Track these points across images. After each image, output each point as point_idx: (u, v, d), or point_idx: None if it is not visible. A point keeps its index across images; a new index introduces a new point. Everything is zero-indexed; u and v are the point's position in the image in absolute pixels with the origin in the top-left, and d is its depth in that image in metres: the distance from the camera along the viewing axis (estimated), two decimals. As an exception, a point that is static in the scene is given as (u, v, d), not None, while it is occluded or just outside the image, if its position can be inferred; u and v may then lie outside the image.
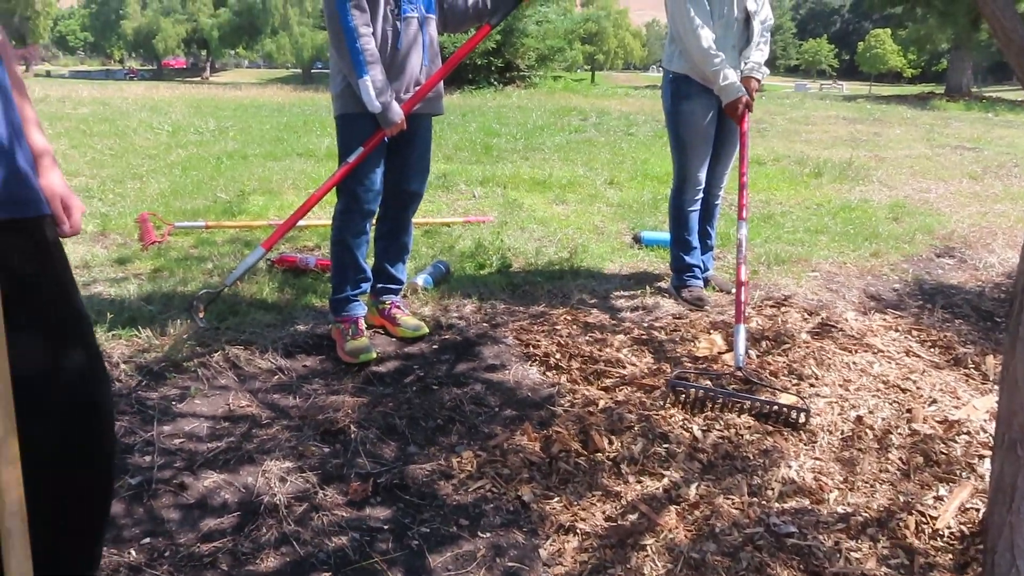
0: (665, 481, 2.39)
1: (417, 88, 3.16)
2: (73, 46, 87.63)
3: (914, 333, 3.72)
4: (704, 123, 3.81)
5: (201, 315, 3.26)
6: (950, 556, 2.14)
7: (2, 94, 1.46)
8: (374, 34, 2.98)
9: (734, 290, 4.09)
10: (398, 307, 3.54)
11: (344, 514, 2.30)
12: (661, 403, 2.84)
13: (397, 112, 3.04)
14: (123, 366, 3.12)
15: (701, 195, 4.00)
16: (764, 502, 2.34)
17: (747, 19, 3.77)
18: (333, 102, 3.21)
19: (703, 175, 3.95)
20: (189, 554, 2.09)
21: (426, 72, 3.19)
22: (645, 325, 3.59)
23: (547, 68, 16.30)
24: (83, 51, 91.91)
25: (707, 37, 3.61)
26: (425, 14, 3.15)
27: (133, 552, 2.09)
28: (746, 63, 3.79)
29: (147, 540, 2.15)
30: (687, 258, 3.99)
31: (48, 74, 55.40)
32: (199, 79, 59.40)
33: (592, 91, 16.09)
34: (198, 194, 6.24)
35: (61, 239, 1.64)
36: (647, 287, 4.13)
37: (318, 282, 4.12)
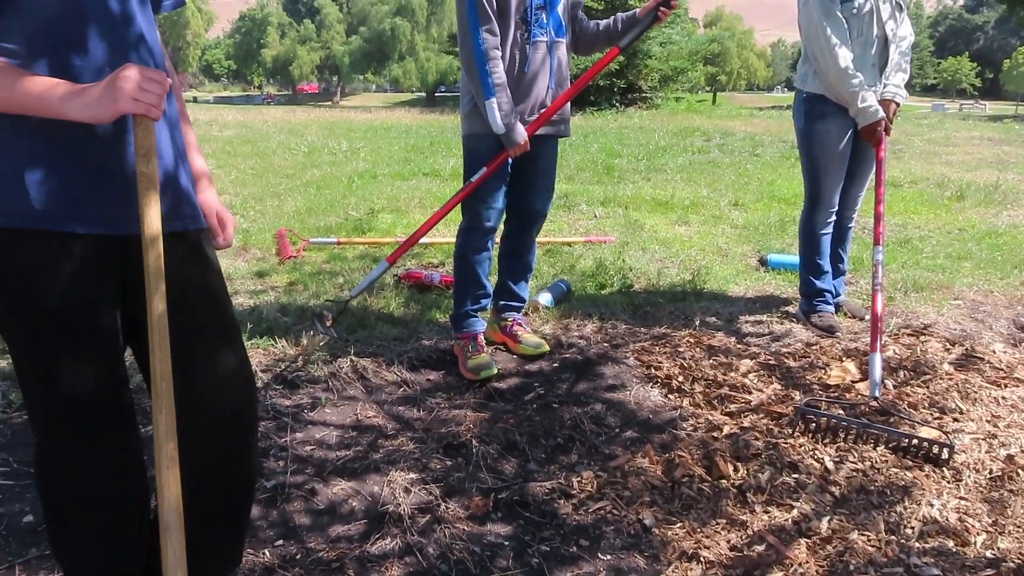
0: (794, 513, 2.29)
1: (542, 110, 3.20)
2: (218, 73, 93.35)
3: (1072, 367, 3.45)
4: (839, 144, 3.67)
5: (329, 324, 3.38)
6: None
7: (170, 123, 1.60)
8: (503, 57, 3.04)
9: (867, 316, 3.94)
10: (520, 324, 3.56)
11: (465, 528, 2.31)
12: (789, 431, 2.73)
13: (521, 133, 3.09)
14: (260, 374, 3.27)
15: (834, 218, 3.85)
16: (903, 540, 2.21)
17: (887, 38, 3.62)
18: (461, 122, 3.29)
19: (836, 198, 3.80)
20: (318, 559, 2.15)
21: (552, 95, 3.23)
22: (772, 350, 3.48)
23: (669, 89, 16.16)
24: (226, 78, 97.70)
25: (845, 57, 3.48)
26: (555, 38, 3.19)
27: (267, 553, 2.17)
28: (886, 85, 3.64)
29: (280, 542, 2.22)
30: (818, 283, 3.85)
31: (195, 100, 59.28)
32: (330, 103, 62.07)
33: (715, 112, 15.80)
34: (331, 211, 6.50)
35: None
36: (774, 311, 4.01)
37: (442, 298, 4.20)
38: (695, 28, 53.38)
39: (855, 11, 3.52)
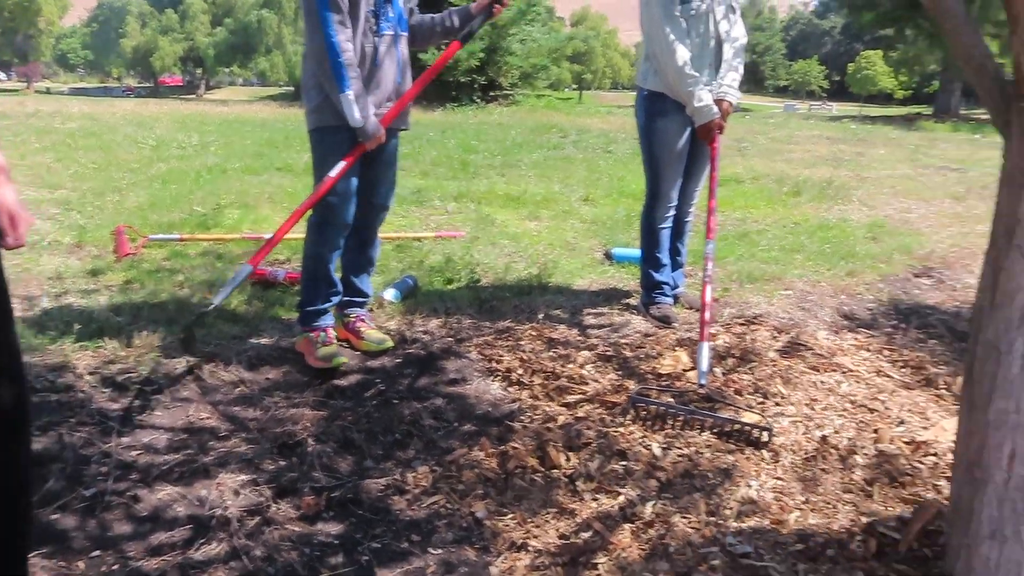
0: (621, 499, 2.36)
1: (390, 103, 3.18)
2: (73, 63, 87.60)
3: (885, 353, 3.70)
4: (678, 141, 3.80)
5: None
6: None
7: None
8: (353, 50, 3.00)
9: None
10: (363, 320, 3.51)
11: (296, 528, 2.26)
12: (621, 420, 2.81)
13: (377, 126, 3.08)
14: (87, 377, 3.08)
15: (673, 212, 3.99)
16: (721, 521, 2.31)
17: (721, 38, 3.78)
18: (307, 116, 3.21)
19: (675, 193, 3.94)
20: (137, 569, 2.04)
21: (398, 88, 3.22)
22: (611, 342, 3.57)
23: (531, 86, 16.40)
24: (83, 69, 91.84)
25: (683, 56, 3.61)
26: (399, 31, 3.18)
27: (81, 565, 2.04)
28: (720, 84, 3.80)
29: (96, 553, 2.10)
30: (656, 275, 3.98)
31: (48, 91, 55.34)
32: (194, 96, 59.41)
33: (574, 109, 16.12)
34: (175, 207, 6.21)
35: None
36: (616, 304, 4.12)
37: (286, 295, 4.08)
38: (562, 26, 54.34)
39: (692, 12, 3.66)
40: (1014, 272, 1.59)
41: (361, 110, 3.00)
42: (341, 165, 3.09)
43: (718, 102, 3.73)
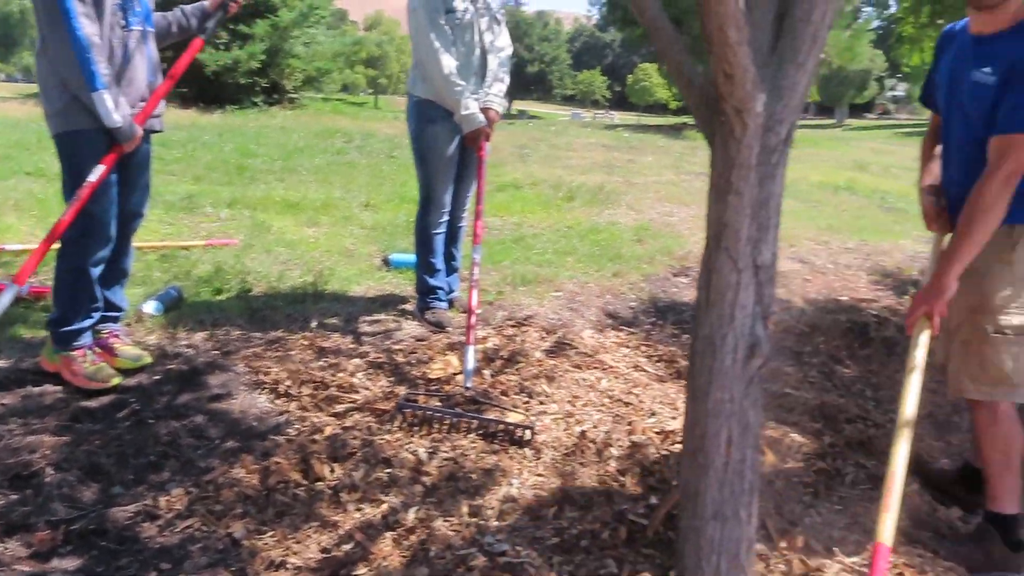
0: (384, 507, 2.36)
1: (143, 103, 3.00)
2: None
3: (643, 348, 3.96)
4: (448, 147, 3.86)
5: None
6: (656, 563, 2.26)
7: None
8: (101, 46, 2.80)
9: (478, 311, 4.19)
10: (117, 336, 3.27)
11: (26, 568, 2.07)
12: (389, 427, 2.81)
13: (135, 126, 2.89)
14: None
15: (446, 218, 4.04)
16: (483, 522, 2.37)
17: (485, 49, 3.88)
18: (50, 119, 2.93)
19: (448, 198, 4.00)
20: None
21: (151, 86, 3.05)
22: (384, 348, 3.57)
23: (318, 89, 16.06)
24: None
25: (449, 64, 3.67)
26: (147, 28, 3.01)
27: None
28: (486, 93, 3.90)
29: None
30: (431, 280, 4.02)
31: None
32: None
33: (361, 114, 15.95)
34: None
35: None
36: (392, 310, 4.12)
37: (30, 311, 3.73)
38: (355, 30, 53.58)
39: (458, 21, 3.73)
40: (723, 272, 1.75)
41: (118, 109, 2.81)
42: (100, 170, 2.85)
43: (484, 111, 3.83)
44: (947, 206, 2.61)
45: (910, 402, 2.17)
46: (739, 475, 1.91)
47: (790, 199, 9.45)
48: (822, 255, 6.69)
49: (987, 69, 2.30)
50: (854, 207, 9.42)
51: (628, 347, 3.95)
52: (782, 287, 5.51)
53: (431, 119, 3.83)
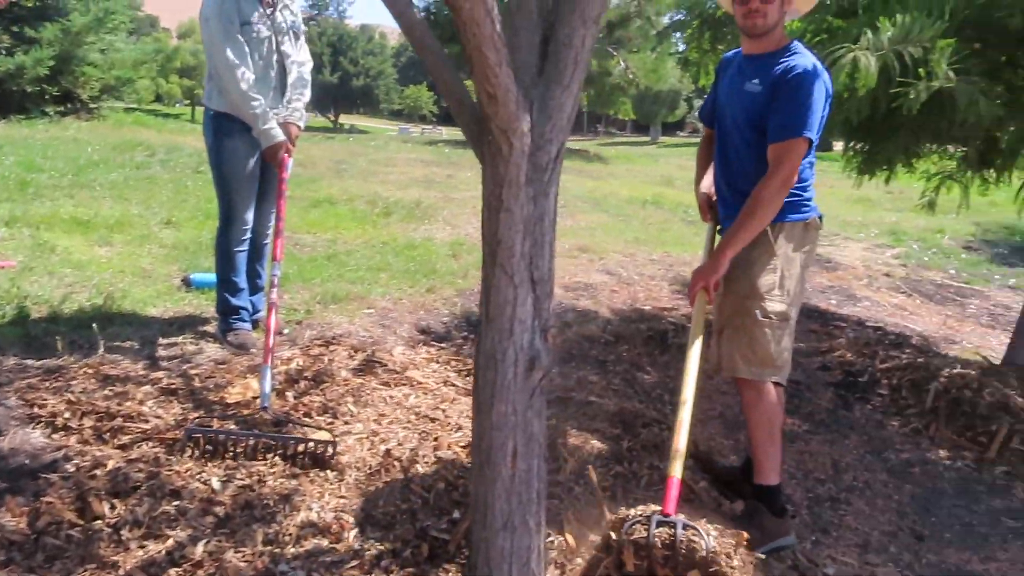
0: (170, 542, 2.23)
1: None
2: None
3: (453, 363, 3.99)
4: (248, 162, 3.74)
5: None
6: (457, 576, 2.27)
7: None
8: None
9: (285, 331, 4.08)
10: None
11: None
12: (178, 457, 2.66)
13: None
14: None
15: (249, 235, 3.90)
16: (278, 549, 2.29)
17: (285, 63, 3.79)
18: None
19: (250, 215, 3.87)
20: None
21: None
22: (179, 373, 3.38)
23: (119, 99, 15.07)
24: None
25: (246, 79, 3.56)
26: None
27: None
28: (287, 108, 3.81)
29: None
30: (233, 300, 3.87)
31: None
32: None
33: (168, 126, 15.14)
34: None
35: None
36: (191, 332, 3.92)
37: None
38: (168, 38, 50.77)
39: (254, 34, 3.62)
40: (501, 288, 1.79)
41: None
42: None
43: (285, 126, 3.74)
44: (718, 202, 2.98)
45: (693, 357, 2.51)
46: (526, 485, 1.96)
47: (600, 213, 9.89)
48: (629, 267, 7.02)
49: (756, 81, 2.67)
50: (660, 220, 9.96)
51: (438, 362, 3.97)
52: (590, 299, 5.74)
53: (228, 133, 3.70)
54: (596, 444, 3.27)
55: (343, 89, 31.76)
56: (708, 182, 3.08)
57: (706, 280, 2.66)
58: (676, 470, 2.31)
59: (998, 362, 4.63)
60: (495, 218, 1.73)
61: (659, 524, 2.10)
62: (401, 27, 1.58)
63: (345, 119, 36.47)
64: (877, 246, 9.82)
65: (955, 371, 4.25)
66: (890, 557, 2.96)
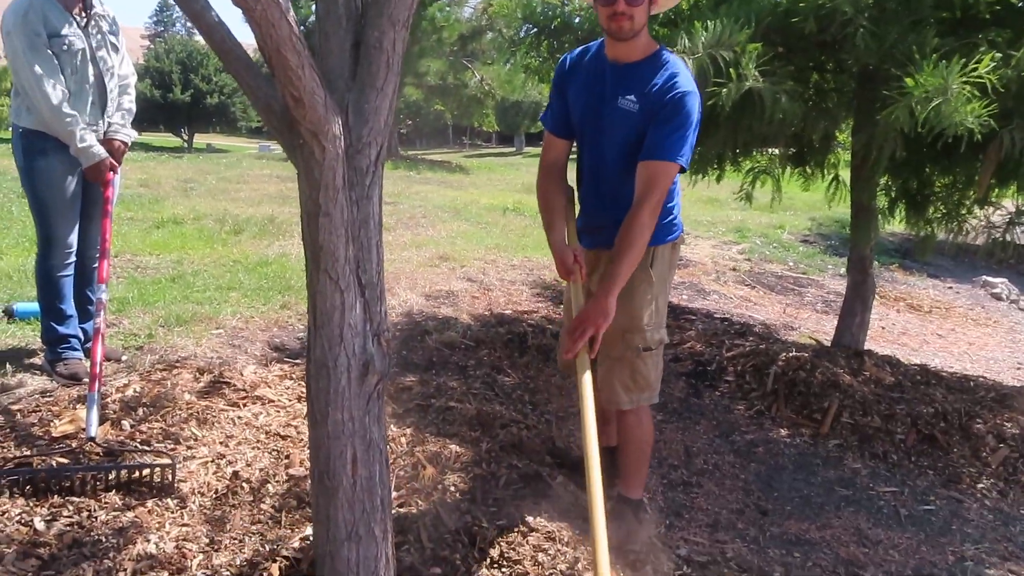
0: (-17, 592, 2.06)
1: None
2: None
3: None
4: (65, 181, 3.51)
5: None
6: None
7: None
8: None
9: (124, 357, 3.86)
10: None
11: None
12: (-5, 500, 2.46)
13: None
14: None
15: (74, 259, 3.66)
16: (112, 586, 2.15)
17: (103, 77, 3.59)
18: None
19: (73, 238, 3.63)
20: None
21: None
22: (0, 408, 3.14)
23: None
24: None
25: (57, 95, 3.34)
26: None
27: None
28: (110, 124, 3.62)
29: None
30: (61, 328, 3.62)
31: None
32: None
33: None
34: None
35: None
36: (16, 365, 3.64)
37: None
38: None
39: (66, 47, 3.40)
40: (327, 294, 1.75)
41: None
42: None
43: (108, 142, 3.55)
44: (585, 216, 2.81)
45: (592, 449, 2.13)
46: (368, 493, 1.92)
47: (461, 222, 9.91)
48: (490, 273, 7.06)
49: (631, 97, 2.52)
50: (520, 227, 10.08)
51: (292, 379, 3.85)
52: (451, 306, 5.73)
53: (42, 151, 3.45)
54: (455, 448, 3.25)
55: (196, 108, 30.47)
56: (563, 236, 2.75)
57: (597, 327, 2.43)
58: None
59: (829, 344, 4.94)
60: (314, 223, 1.68)
61: None
62: (200, 30, 1.51)
63: (201, 138, 35.04)
64: (724, 243, 10.31)
65: (791, 354, 4.50)
66: (738, 533, 3.09)
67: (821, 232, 11.76)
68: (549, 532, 2.60)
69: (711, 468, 3.61)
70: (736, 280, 8.08)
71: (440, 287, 6.29)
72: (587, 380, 2.29)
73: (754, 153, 5.06)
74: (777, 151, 5.06)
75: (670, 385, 4.51)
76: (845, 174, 4.92)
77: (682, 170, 2.51)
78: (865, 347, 4.93)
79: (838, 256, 9.82)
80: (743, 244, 10.26)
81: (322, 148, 1.59)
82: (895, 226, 5.49)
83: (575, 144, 2.84)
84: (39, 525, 2.35)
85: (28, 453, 2.76)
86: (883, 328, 6.89)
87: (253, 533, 2.54)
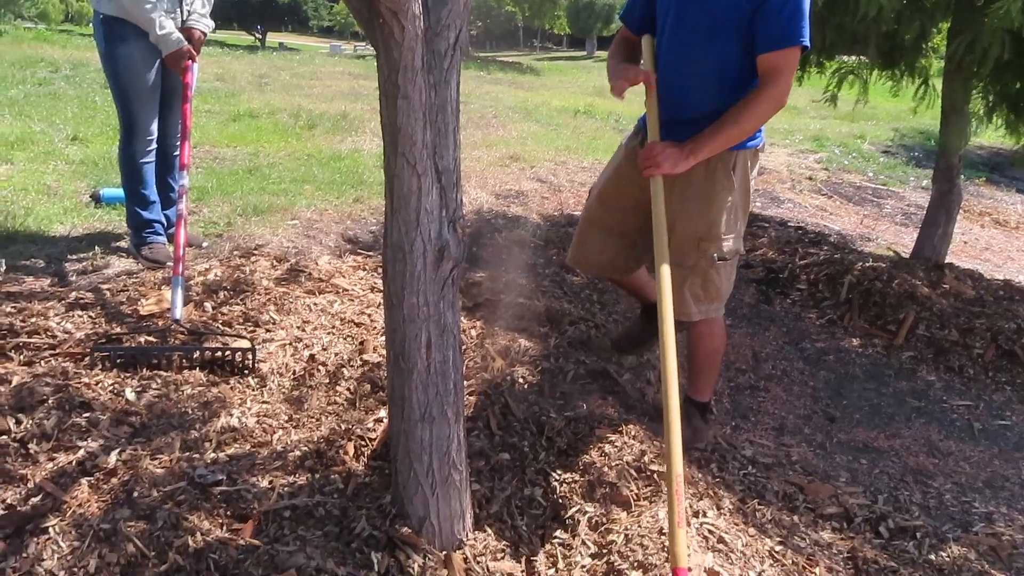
0: (81, 453, 2.19)
1: None
2: None
3: (380, 271, 3.92)
4: (147, 70, 3.54)
5: None
6: (384, 473, 2.28)
7: None
8: None
9: (204, 244, 3.97)
10: None
11: None
12: (89, 371, 2.59)
13: None
14: None
15: (155, 145, 3.73)
16: (197, 455, 2.26)
17: None
18: None
19: (154, 126, 3.68)
20: None
21: None
22: (89, 288, 3.27)
23: (17, 15, 14.19)
24: None
25: None
26: None
27: None
28: (188, 13, 3.61)
29: None
30: (145, 214, 3.72)
31: None
32: None
33: (71, 41, 14.31)
34: None
35: None
36: (103, 248, 3.77)
37: None
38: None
39: None
40: (404, 178, 1.75)
41: None
42: None
43: (187, 31, 3.55)
44: (667, 117, 2.53)
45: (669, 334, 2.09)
46: (442, 376, 1.95)
47: (532, 123, 9.78)
48: (560, 174, 6.99)
49: None
50: (591, 129, 9.90)
51: (365, 270, 3.92)
52: (521, 206, 5.71)
53: (122, 38, 3.47)
54: (524, 343, 3.29)
55: (269, 6, 30.31)
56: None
57: (673, 168, 2.34)
58: (680, 558, 1.82)
59: (908, 256, 4.79)
60: (392, 106, 1.66)
61: None
62: None
63: (273, 37, 34.98)
64: (801, 151, 9.97)
65: (868, 264, 4.38)
66: (804, 438, 3.09)
67: (904, 143, 11.26)
68: (616, 426, 2.63)
69: (779, 374, 3.58)
70: (812, 189, 7.84)
71: (510, 187, 6.27)
72: (666, 273, 2.21)
73: (836, 59, 4.81)
74: (861, 58, 4.79)
75: (740, 291, 4.46)
76: (936, 82, 4.66)
77: (804, 49, 2.31)
78: (946, 260, 4.77)
79: (921, 168, 9.42)
80: (821, 153, 9.90)
81: (401, 27, 1.56)
82: (984, 138, 5.21)
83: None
84: (130, 396, 2.48)
85: (119, 330, 2.88)
86: (965, 243, 6.64)
87: (329, 413, 2.63)
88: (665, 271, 2.21)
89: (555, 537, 2.19)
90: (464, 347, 3.17)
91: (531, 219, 5.36)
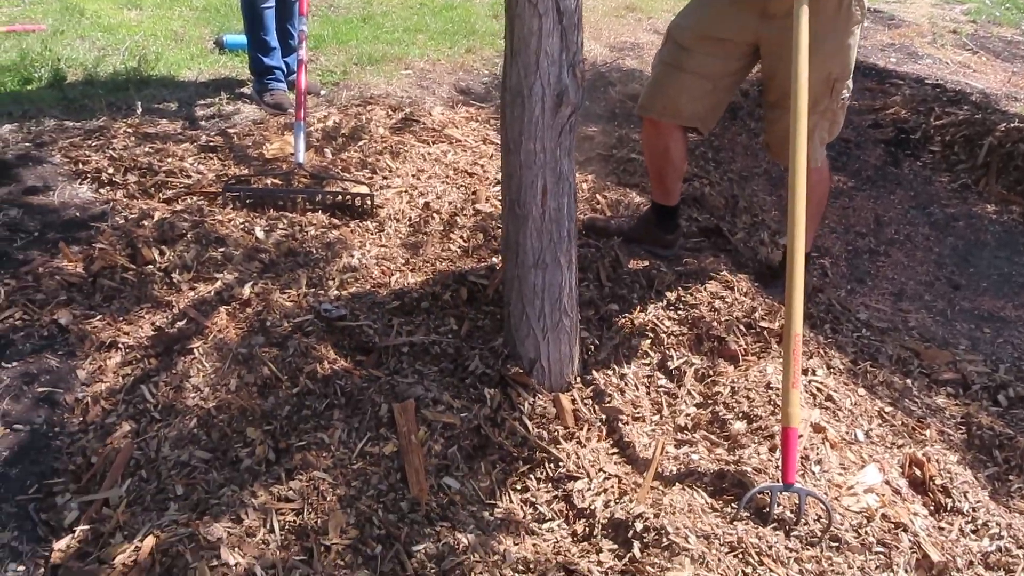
0: (219, 284, 2.34)
1: None
2: None
3: (492, 122, 3.92)
4: None
5: None
6: (496, 317, 2.36)
7: None
8: None
9: (322, 92, 4.03)
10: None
11: None
12: (222, 208, 2.74)
13: None
14: None
15: (274, -9, 3.75)
16: (322, 292, 2.39)
17: None
18: None
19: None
20: None
21: None
22: (217, 131, 3.40)
23: None
24: None
25: None
26: None
27: None
28: None
29: None
30: (267, 60, 3.79)
31: None
32: None
33: None
34: None
35: None
36: (227, 93, 3.88)
37: None
38: None
39: None
40: (525, 19, 1.71)
41: None
42: None
43: None
44: None
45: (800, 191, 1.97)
46: (556, 223, 1.98)
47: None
48: (678, 25, 6.64)
49: None
50: (714, -24, 9.28)
51: (477, 121, 3.91)
52: (636, 59, 5.51)
53: None
54: (635, 197, 3.26)
55: None
56: None
57: None
58: (793, 418, 1.82)
59: (1063, 116, 4.41)
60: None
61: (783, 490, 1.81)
62: None
63: None
64: (946, 1, 9.12)
65: (1012, 126, 4.06)
66: (923, 304, 2.99)
67: (1070, -7, 10.13)
68: (728, 281, 2.61)
69: (902, 239, 3.44)
70: (955, 44, 7.21)
71: (625, 38, 6.02)
72: (802, 130, 2.00)
73: None
74: None
75: (866, 152, 4.24)
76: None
77: None
78: (1103, 124, 4.37)
79: (1087, 22, 8.50)
80: (968, 4, 9.02)
81: None
82: None
83: None
84: (259, 234, 2.62)
85: (247, 172, 3.01)
86: None
87: (443, 259, 2.71)
88: (803, 111, 2.00)
89: (661, 386, 2.24)
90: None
91: (646, 73, 5.17)
